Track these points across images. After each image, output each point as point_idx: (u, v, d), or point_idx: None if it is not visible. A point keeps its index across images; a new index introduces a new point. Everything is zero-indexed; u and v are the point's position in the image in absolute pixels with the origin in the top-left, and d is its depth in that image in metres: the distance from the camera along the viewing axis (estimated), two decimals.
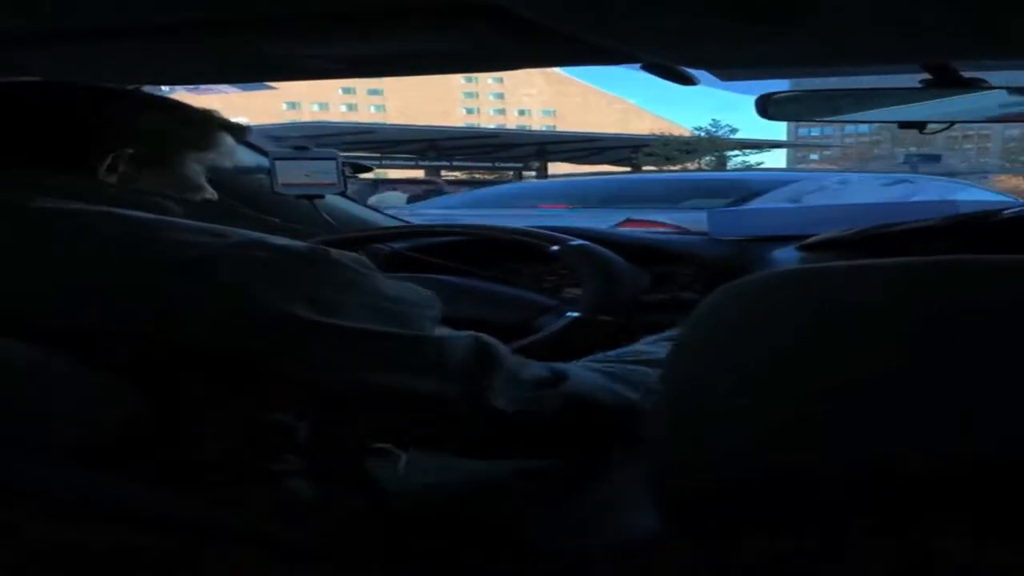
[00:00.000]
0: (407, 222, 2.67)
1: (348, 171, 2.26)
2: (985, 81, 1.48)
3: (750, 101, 1.78)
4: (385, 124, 28.63)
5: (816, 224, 2.12)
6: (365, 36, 1.15)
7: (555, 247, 1.97)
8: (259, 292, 0.96)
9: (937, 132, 1.80)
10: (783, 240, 2.13)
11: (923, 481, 0.61)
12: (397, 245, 2.33)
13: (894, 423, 0.60)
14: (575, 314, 1.81)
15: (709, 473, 0.68)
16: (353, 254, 1.07)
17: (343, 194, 2.39)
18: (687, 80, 1.39)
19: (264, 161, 2.21)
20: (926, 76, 1.44)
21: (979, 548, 0.63)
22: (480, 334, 1.10)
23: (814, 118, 2.03)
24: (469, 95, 74.21)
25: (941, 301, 0.63)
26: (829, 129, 63.00)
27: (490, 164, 26.86)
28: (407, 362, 1.03)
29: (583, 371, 1.22)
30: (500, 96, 75.50)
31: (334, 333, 0.99)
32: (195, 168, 1.25)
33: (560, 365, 1.18)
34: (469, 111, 73.02)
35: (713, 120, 54.06)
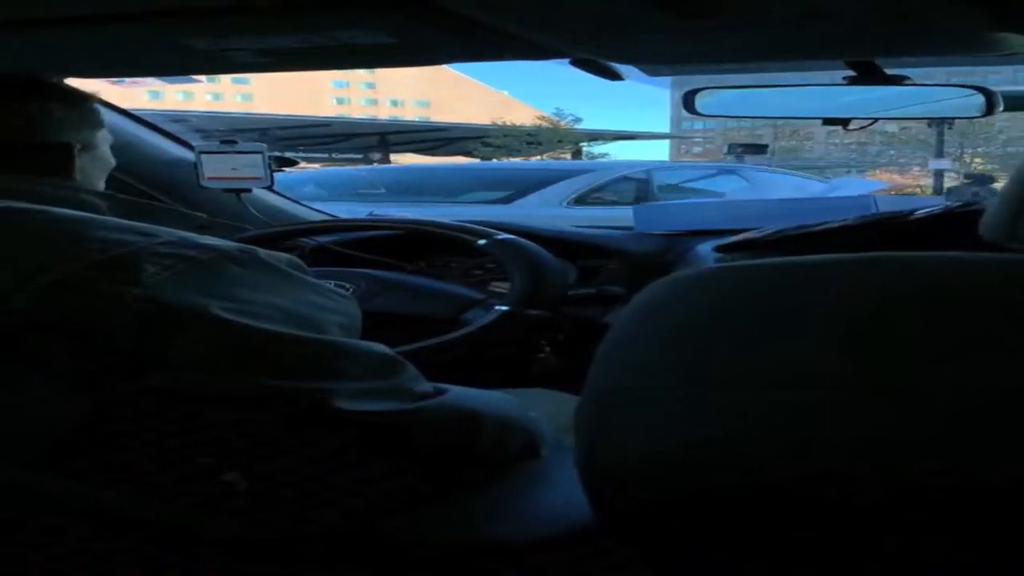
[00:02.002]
0: (334, 216, 2.65)
1: (274, 165, 2.24)
2: (908, 78, 1.50)
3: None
4: (204, 112, 26.49)
5: (739, 219, 2.15)
6: (290, 29, 1.14)
7: (482, 241, 1.97)
8: (180, 290, 0.94)
9: (860, 128, 1.83)
10: (708, 235, 2.15)
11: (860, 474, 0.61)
12: (323, 239, 2.32)
13: (827, 420, 0.61)
14: (503, 308, 1.82)
15: (644, 477, 0.68)
16: (286, 255, 1.06)
17: (269, 188, 2.37)
18: (613, 75, 1.40)
19: (189, 154, 2.19)
20: (850, 72, 1.46)
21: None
22: (389, 350, 1.06)
23: (738, 114, 2.06)
24: (339, 84, 72.22)
25: (868, 296, 0.63)
26: (712, 123, 63.11)
27: (327, 155, 25.72)
28: (314, 367, 0.98)
29: (467, 389, 1.20)
30: (372, 86, 73.51)
31: (244, 333, 0.95)
32: (103, 150, 1.33)
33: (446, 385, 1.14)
34: (340, 101, 70.74)
35: (556, 108, 51.22)
